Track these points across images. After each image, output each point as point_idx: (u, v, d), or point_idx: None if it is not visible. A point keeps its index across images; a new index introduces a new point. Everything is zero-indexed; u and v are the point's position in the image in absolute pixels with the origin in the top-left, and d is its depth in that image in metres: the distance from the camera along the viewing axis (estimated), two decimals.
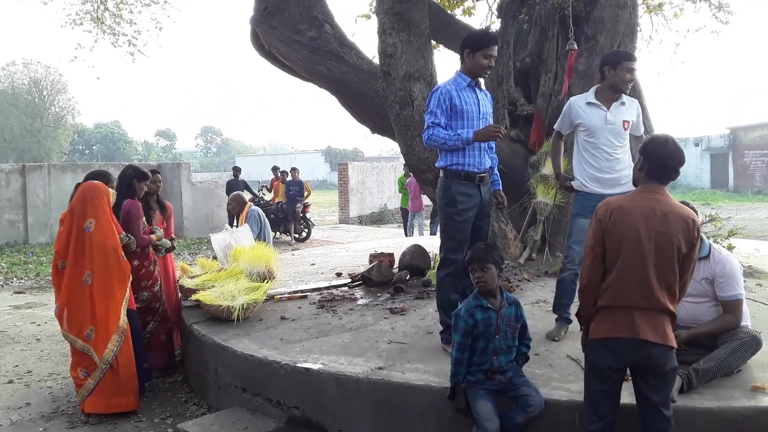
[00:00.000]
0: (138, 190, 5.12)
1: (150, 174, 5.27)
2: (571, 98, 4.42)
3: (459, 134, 3.89)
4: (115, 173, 5.13)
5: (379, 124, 7.42)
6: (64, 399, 4.86)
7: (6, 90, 48.60)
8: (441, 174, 4.11)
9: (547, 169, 6.50)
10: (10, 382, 5.27)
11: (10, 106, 47.00)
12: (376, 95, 6.89)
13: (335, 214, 23.29)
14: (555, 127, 4.50)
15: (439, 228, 4.32)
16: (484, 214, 4.14)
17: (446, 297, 4.05)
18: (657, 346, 2.77)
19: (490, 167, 4.17)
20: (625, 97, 4.24)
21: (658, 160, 2.89)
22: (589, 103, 4.24)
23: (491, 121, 4.17)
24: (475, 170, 4.02)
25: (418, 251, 6.44)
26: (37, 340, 6.64)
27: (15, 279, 10.59)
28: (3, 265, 11.77)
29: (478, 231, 4.09)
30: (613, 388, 2.88)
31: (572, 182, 4.33)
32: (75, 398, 4.59)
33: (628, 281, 2.82)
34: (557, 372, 3.61)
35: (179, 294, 5.57)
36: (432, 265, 6.20)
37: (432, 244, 7.50)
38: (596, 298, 2.92)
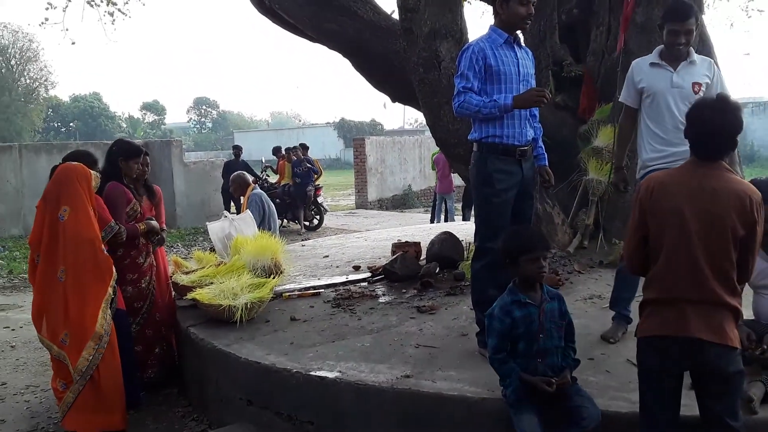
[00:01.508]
0: (126, 171, 5.12)
1: (141, 150, 5.24)
2: (633, 61, 4.35)
3: (495, 100, 3.85)
4: (97, 153, 5.15)
5: (400, 91, 7.40)
6: (44, 414, 4.95)
7: None
8: (475, 148, 4.08)
9: (601, 140, 6.44)
10: None
11: None
12: (396, 57, 6.86)
13: (351, 198, 23.33)
14: (621, 99, 4.40)
15: (473, 212, 4.30)
16: (526, 195, 4.11)
17: (483, 292, 4.04)
18: (714, 345, 2.71)
19: (533, 139, 4.13)
20: (695, 55, 4.15)
21: (703, 132, 2.82)
22: (652, 64, 4.17)
23: (533, 83, 4.12)
24: (516, 143, 3.98)
25: (448, 240, 6.43)
26: (12, 347, 6.77)
27: None
28: None
29: (519, 215, 4.07)
30: (669, 395, 2.84)
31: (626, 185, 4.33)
32: (57, 413, 4.67)
33: (675, 270, 2.78)
34: (615, 379, 3.59)
35: (173, 292, 5.61)
36: (465, 256, 6.20)
37: (465, 231, 7.47)
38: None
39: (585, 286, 5.45)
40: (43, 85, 52.86)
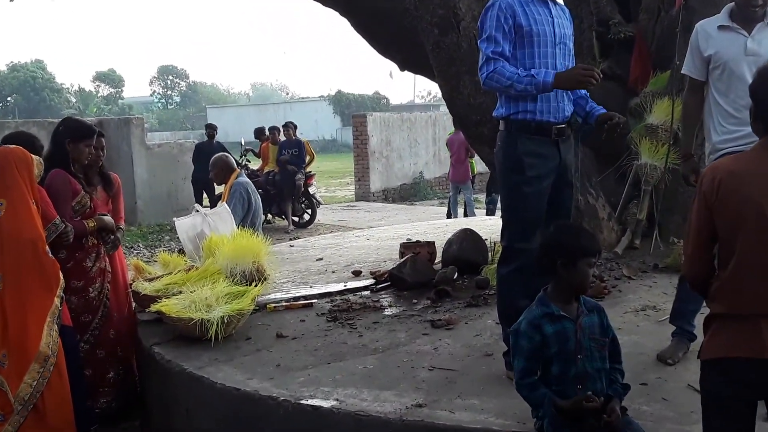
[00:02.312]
0: (76, 155, 5.10)
1: (93, 130, 5.23)
2: (698, 23, 4.33)
3: (533, 75, 3.82)
4: (41, 135, 5.15)
5: (410, 57, 7.39)
6: None
7: None
8: (501, 126, 4.08)
9: (656, 117, 6.42)
10: None
11: None
12: (405, 15, 6.85)
13: (350, 188, 23.33)
14: (684, 71, 4.39)
15: (499, 205, 4.29)
16: (564, 184, 4.11)
17: (511, 303, 4.04)
18: None
19: (581, 96, 4.11)
20: None
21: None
22: (721, 27, 4.16)
23: (571, 47, 4.12)
24: (552, 119, 3.98)
25: (469, 239, 6.43)
26: None
27: None
28: None
29: (556, 208, 4.07)
30: (741, 426, 2.83)
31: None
32: None
33: (751, 278, 2.75)
34: (673, 409, 3.59)
35: (133, 303, 5.64)
36: (490, 258, 6.19)
37: (489, 228, 7.47)
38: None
39: (636, 295, 5.45)
40: None
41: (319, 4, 7.59)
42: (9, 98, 64.38)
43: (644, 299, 5.35)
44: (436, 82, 6.62)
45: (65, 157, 5.08)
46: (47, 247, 4.56)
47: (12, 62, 67.36)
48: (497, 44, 3.91)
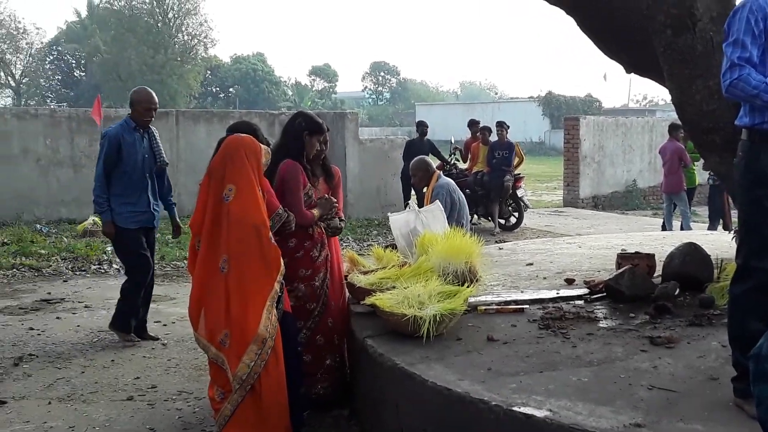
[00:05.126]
0: (309, 148, 5.36)
1: (325, 125, 5.48)
2: None
3: None
4: (261, 125, 5.42)
5: (636, 59, 7.17)
6: (197, 426, 5.27)
7: (122, 11, 52.39)
8: (744, 136, 3.88)
9: None
10: (130, 398, 5.81)
11: (127, 32, 50.26)
12: (635, 13, 6.65)
13: (557, 193, 23.07)
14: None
15: (737, 219, 4.08)
16: None
17: (744, 325, 3.83)
18: None
19: None
20: None
21: None
22: None
23: None
24: None
25: (693, 254, 6.15)
26: (163, 345, 7.29)
27: None
28: None
29: None
30: None
31: None
32: (212, 427, 4.95)
33: None
34: None
35: (347, 295, 5.81)
36: (716, 276, 5.91)
37: (711, 243, 7.13)
38: None
39: None
40: (202, 43, 56.34)
41: (545, 3, 7.51)
42: (231, 89, 68.33)
43: None
44: (665, 86, 6.39)
45: (301, 148, 5.34)
46: (271, 233, 4.77)
47: (235, 55, 71.53)
48: (744, 49, 3.70)
